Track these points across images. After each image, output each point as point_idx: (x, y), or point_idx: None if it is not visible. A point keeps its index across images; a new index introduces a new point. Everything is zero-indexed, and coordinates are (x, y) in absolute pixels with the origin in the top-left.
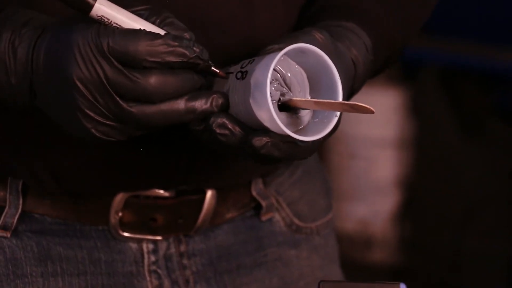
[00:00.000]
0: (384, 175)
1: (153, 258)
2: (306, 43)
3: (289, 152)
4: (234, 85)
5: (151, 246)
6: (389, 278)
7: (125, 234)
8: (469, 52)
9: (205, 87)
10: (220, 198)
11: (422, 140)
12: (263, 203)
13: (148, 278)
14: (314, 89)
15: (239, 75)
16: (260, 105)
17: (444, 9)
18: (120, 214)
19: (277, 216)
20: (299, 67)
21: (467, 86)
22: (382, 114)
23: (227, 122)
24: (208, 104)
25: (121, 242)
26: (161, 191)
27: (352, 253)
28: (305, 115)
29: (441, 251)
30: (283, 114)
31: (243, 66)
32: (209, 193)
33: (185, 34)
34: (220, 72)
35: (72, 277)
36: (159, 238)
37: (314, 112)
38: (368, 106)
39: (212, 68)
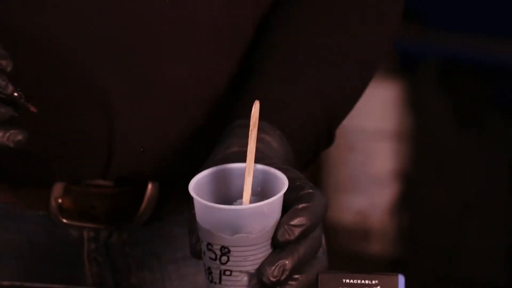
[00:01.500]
0: (382, 167)
1: (93, 246)
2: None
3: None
4: None
5: (92, 234)
6: (387, 269)
7: (65, 220)
8: (467, 45)
9: (17, 119)
10: (164, 191)
11: (420, 132)
12: None
13: (87, 265)
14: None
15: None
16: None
17: (443, 1)
18: (59, 200)
19: None
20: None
21: (466, 79)
22: (379, 107)
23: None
24: (5, 138)
25: (61, 229)
26: (99, 181)
27: (350, 245)
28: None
29: (439, 243)
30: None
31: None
32: (150, 185)
33: (2, 62)
34: (31, 107)
35: (10, 261)
36: (99, 226)
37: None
38: None
39: (22, 101)
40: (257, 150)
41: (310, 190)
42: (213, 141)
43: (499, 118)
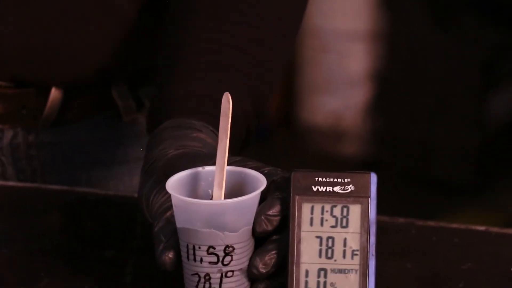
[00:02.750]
0: (356, 68)
1: None
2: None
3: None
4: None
5: None
6: (360, 169)
7: None
8: None
9: None
10: (70, 95)
11: (394, 33)
12: (121, 104)
13: None
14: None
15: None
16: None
17: None
18: None
19: (141, 118)
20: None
21: None
22: (354, 7)
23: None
24: None
25: None
26: None
27: (324, 146)
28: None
29: (412, 142)
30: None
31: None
32: (53, 89)
33: None
34: None
35: None
36: (3, 126)
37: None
38: None
39: None
40: (195, 149)
41: (283, 175)
42: (113, 53)
43: (474, 18)
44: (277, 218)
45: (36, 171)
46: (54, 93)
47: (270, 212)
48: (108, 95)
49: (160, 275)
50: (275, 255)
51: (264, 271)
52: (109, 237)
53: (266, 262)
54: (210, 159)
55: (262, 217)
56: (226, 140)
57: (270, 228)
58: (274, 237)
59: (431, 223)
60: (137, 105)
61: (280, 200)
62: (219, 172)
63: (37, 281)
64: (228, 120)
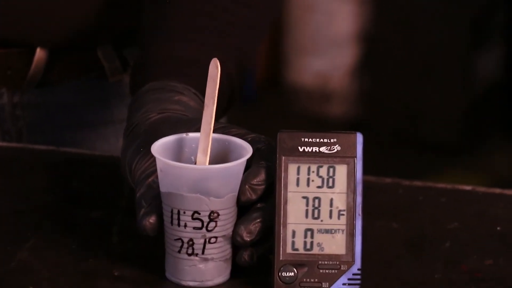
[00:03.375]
0: (343, 29)
1: None
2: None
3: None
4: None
5: None
6: (347, 130)
7: None
8: None
9: None
10: (55, 56)
11: None
12: (106, 65)
13: None
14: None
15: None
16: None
17: None
18: None
19: (126, 79)
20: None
21: None
22: None
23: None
24: None
25: None
26: None
27: (311, 107)
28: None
29: (399, 103)
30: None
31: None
32: (38, 49)
33: None
34: None
35: None
36: None
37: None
38: None
39: None
40: (178, 114)
41: (268, 143)
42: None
43: None
44: (262, 187)
45: (22, 132)
46: (39, 54)
47: (255, 181)
48: (94, 56)
49: (147, 235)
50: (259, 223)
51: (248, 239)
52: (95, 197)
53: (251, 230)
54: (193, 125)
55: (247, 186)
56: (213, 106)
57: (254, 197)
58: (259, 205)
59: (417, 183)
60: (123, 65)
61: (264, 169)
62: (204, 138)
63: (24, 241)
64: (216, 86)
